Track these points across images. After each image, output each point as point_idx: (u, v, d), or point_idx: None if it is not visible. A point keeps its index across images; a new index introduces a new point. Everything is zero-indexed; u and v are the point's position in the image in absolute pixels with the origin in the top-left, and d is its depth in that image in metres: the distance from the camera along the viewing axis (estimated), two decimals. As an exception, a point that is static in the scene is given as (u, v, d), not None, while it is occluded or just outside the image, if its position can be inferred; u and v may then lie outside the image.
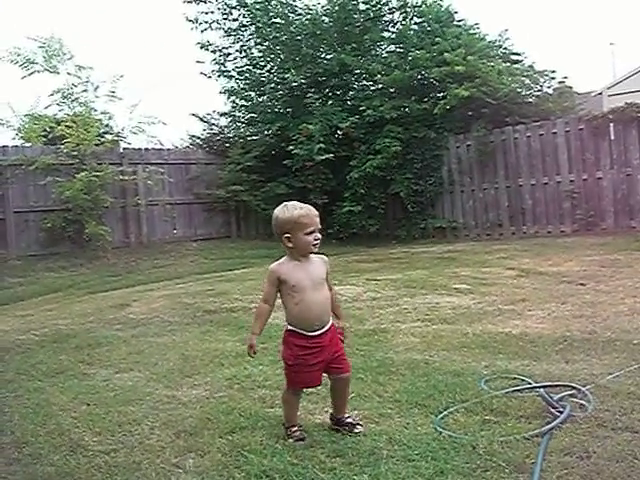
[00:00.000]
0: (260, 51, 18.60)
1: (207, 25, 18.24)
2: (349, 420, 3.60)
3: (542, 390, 3.83)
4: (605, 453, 3.03)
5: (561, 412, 3.52)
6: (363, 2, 17.46)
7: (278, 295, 3.60)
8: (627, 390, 3.85)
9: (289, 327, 3.56)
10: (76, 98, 15.03)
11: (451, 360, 4.90)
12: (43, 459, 3.50)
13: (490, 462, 3.02)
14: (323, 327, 3.53)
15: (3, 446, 3.74)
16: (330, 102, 17.11)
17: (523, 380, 4.20)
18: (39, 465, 3.42)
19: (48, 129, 16.08)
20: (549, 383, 4.06)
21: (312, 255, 3.62)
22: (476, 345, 5.30)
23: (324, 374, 3.62)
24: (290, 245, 3.51)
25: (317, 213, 3.59)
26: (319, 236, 3.55)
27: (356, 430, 3.51)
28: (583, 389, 3.88)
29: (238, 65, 18.80)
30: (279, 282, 3.54)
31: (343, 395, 3.67)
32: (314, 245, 3.53)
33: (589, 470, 2.88)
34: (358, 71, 17.59)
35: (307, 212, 3.54)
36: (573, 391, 3.89)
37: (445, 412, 3.74)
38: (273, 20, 17.69)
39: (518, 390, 4.03)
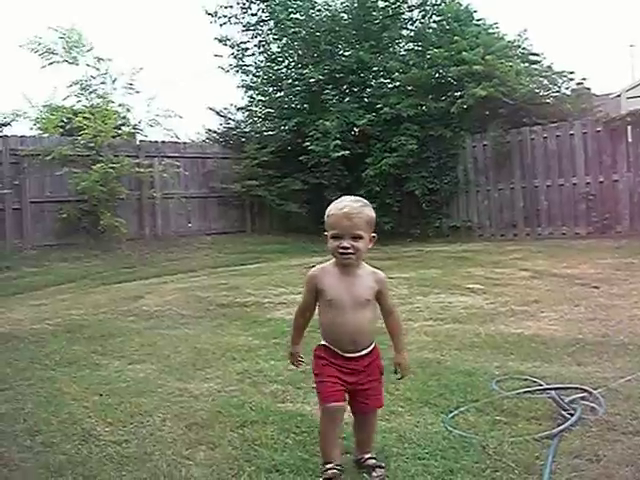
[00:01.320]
0: (278, 46, 18.64)
1: (226, 19, 18.32)
2: (370, 462, 3.03)
3: (553, 392, 3.83)
4: (615, 457, 3.02)
5: (572, 415, 3.52)
6: (382, -1, 17.47)
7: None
8: (639, 394, 3.84)
9: (322, 342, 3.08)
10: (94, 90, 15.11)
11: (463, 360, 4.90)
12: (55, 448, 3.53)
13: (500, 462, 3.03)
14: (359, 351, 3.03)
15: (16, 434, 3.77)
16: (347, 99, 17.12)
17: (534, 382, 4.20)
18: (51, 453, 3.45)
19: (66, 120, 16.18)
20: (560, 385, 4.06)
21: (364, 267, 3.10)
22: (488, 345, 5.30)
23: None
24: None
25: (353, 215, 2.97)
26: (346, 245, 2.95)
27: (374, 474, 2.94)
28: (594, 392, 3.87)
29: (256, 60, 18.85)
30: (317, 290, 3.06)
31: (365, 430, 3.16)
32: (341, 254, 2.97)
33: (599, 473, 2.88)
34: (376, 68, 17.59)
35: (335, 211, 3.00)
36: (584, 394, 3.88)
37: (456, 411, 3.74)
38: (292, 15, 17.71)
39: (529, 391, 4.03)
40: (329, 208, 3.05)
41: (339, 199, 3.08)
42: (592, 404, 3.73)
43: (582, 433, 3.32)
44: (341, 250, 2.96)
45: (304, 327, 3.20)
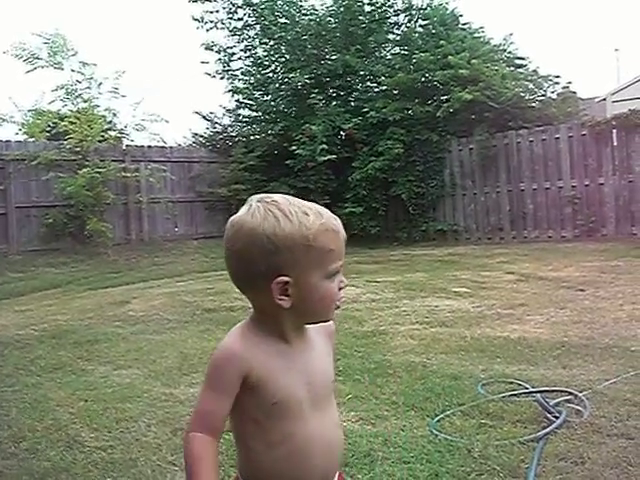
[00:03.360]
0: (265, 51, 18.63)
1: (212, 24, 18.31)
2: None
3: (538, 395, 3.85)
4: (600, 459, 3.04)
5: (557, 417, 3.53)
6: (368, 4, 17.49)
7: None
8: (623, 397, 3.86)
9: None
10: (80, 94, 15.05)
11: (449, 363, 4.91)
12: (40, 454, 3.51)
13: (485, 466, 3.04)
14: None
15: (0, 440, 3.76)
16: (334, 103, 17.12)
17: (520, 385, 4.22)
18: (36, 460, 3.44)
19: (51, 125, 16.11)
20: (546, 388, 4.08)
21: (312, 327, 1.67)
22: (474, 349, 5.31)
23: None
24: (284, 301, 1.54)
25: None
26: (346, 282, 1.63)
27: None
28: (579, 395, 3.89)
29: (243, 64, 18.86)
30: (246, 387, 1.54)
31: None
32: (340, 301, 1.61)
33: (583, 476, 2.89)
34: (362, 72, 17.62)
35: (332, 224, 1.67)
36: (569, 397, 3.90)
37: (441, 415, 3.75)
38: (278, 20, 17.72)
39: (515, 395, 4.04)
40: (307, 219, 1.61)
41: (285, 204, 1.63)
42: (577, 407, 3.75)
43: (567, 436, 3.34)
44: (343, 297, 1.63)
45: (212, 460, 1.54)
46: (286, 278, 1.52)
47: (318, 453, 1.58)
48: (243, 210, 1.62)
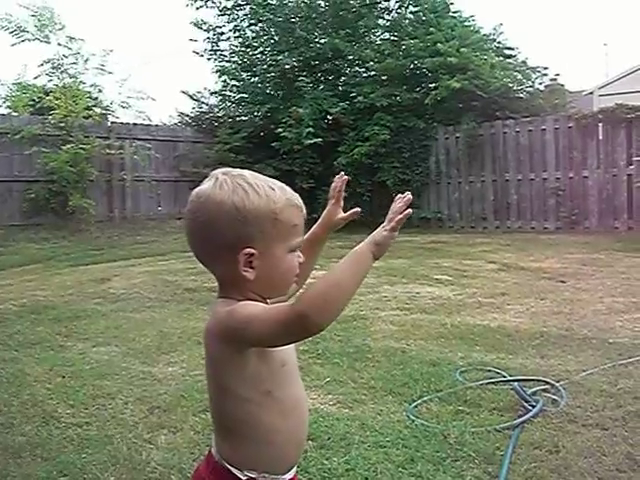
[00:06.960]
0: (253, 32, 18.55)
1: (202, 3, 18.18)
2: None
3: (516, 384, 3.86)
4: (574, 448, 3.06)
5: (533, 406, 3.55)
6: (359, -13, 17.43)
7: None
8: (600, 388, 3.89)
9: (246, 474, 1.57)
10: (66, 69, 14.93)
11: (428, 350, 4.92)
12: (15, 429, 3.50)
13: (460, 452, 3.05)
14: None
15: (-25, 414, 3.74)
16: (321, 87, 17.07)
17: (498, 373, 4.24)
18: (11, 435, 3.42)
19: (36, 99, 15.98)
20: (523, 377, 4.10)
21: None
22: (453, 336, 5.33)
23: None
24: (249, 273, 1.56)
25: None
26: (302, 258, 1.71)
27: None
28: (556, 385, 3.92)
29: (231, 45, 18.75)
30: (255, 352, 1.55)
31: None
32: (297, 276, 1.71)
33: (557, 464, 2.91)
34: (351, 57, 17.57)
35: (293, 199, 1.64)
36: (546, 386, 3.93)
37: (419, 401, 3.76)
38: (268, 1, 17.62)
39: (492, 382, 4.07)
40: (273, 193, 1.60)
41: (250, 178, 1.61)
42: (554, 396, 3.78)
43: (543, 425, 3.36)
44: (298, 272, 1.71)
45: None
46: (252, 250, 1.55)
47: (307, 414, 1.71)
48: (208, 183, 1.61)
